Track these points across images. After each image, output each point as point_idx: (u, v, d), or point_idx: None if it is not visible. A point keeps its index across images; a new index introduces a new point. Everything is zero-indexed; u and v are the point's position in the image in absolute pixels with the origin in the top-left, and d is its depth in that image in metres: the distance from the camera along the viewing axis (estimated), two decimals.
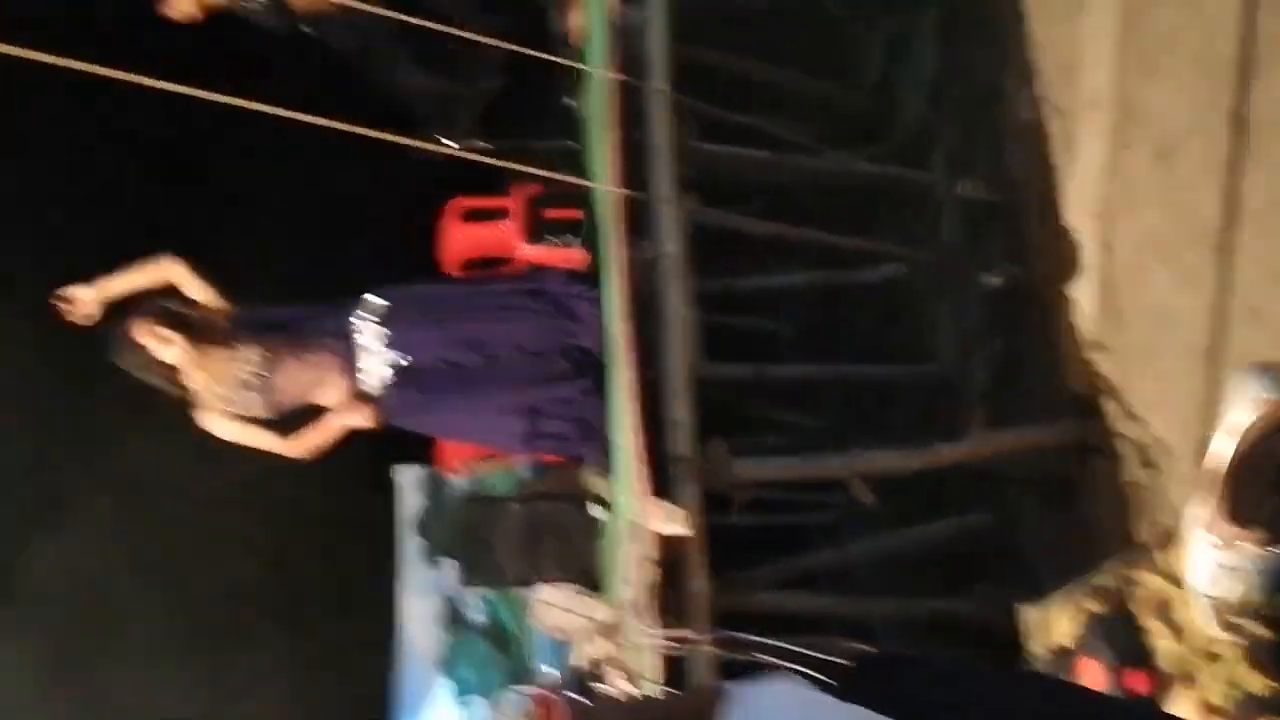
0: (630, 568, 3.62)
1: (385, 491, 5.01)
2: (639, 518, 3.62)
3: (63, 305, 3.53)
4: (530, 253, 4.42)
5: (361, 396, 3.65)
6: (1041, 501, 4.39)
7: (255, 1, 3.96)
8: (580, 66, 4.02)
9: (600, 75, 3.79)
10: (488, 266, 4.72)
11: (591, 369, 3.89)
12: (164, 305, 3.51)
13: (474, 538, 4.09)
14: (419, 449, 4.78)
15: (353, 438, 3.83)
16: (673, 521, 3.54)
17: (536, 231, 4.39)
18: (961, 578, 4.56)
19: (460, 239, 4.83)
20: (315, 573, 7.57)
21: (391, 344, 3.66)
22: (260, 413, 3.56)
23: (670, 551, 3.62)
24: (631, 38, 3.98)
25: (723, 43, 5.81)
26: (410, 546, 4.94)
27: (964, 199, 4.76)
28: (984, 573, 4.51)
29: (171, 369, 3.54)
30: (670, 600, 3.59)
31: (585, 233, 4.29)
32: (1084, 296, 4.09)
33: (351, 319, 3.67)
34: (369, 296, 3.74)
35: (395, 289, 3.80)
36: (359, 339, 3.66)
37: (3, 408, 5.45)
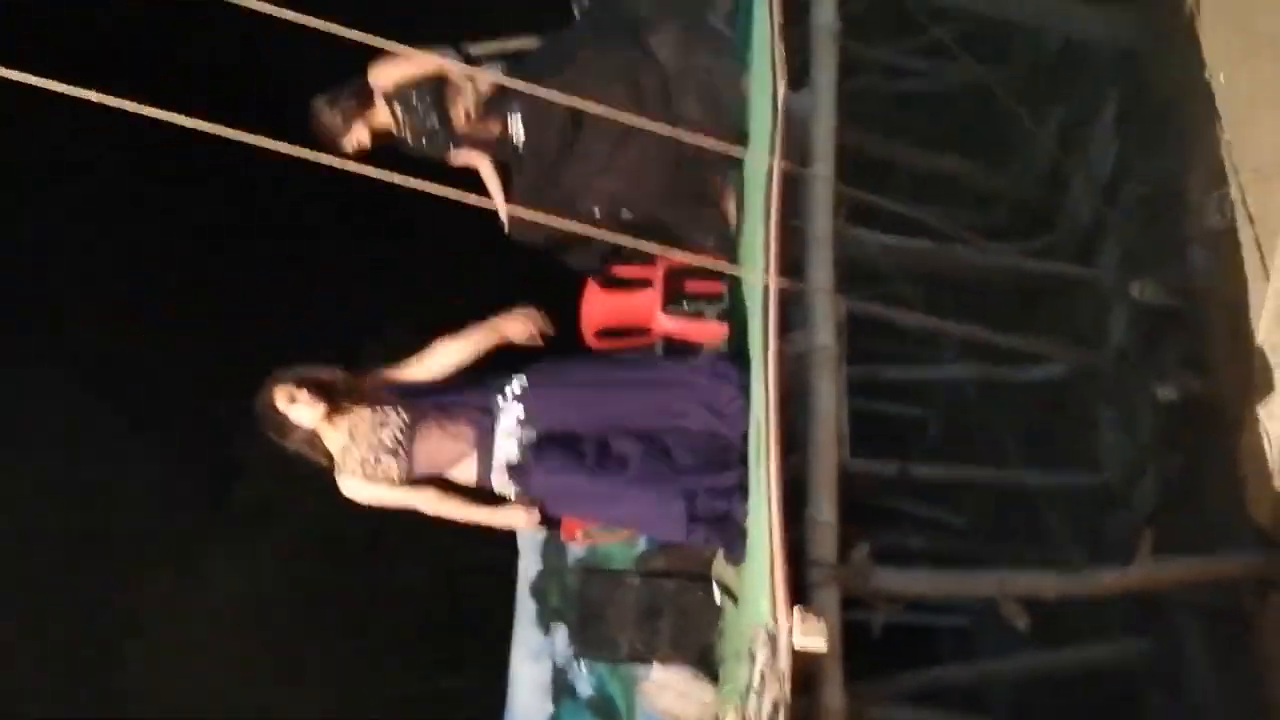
0: (759, 677, 3.44)
1: (511, 548, 4.99)
2: (775, 626, 3.44)
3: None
4: (668, 324, 4.37)
5: (499, 475, 3.59)
6: (1212, 636, 4.05)
7: (424, 126, 4.05)
8: (738, 149, 3.91)
9: (762, 162, 3.67)
10: (624, 336, 4.68)
11: (735, 459, 3.74)
12: (304, 372, 3.52)
13: (588, 608, 4.04)
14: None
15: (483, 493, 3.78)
16: (812, 636, 3.34)
17: (676, 303, 4.34)
18: (1113, 713, 4.22)
19: (600, 306, 4.79)
20: (436, 619, 7.68)
21: (529, 423, 3.59)
22: (396, 479, 3.52)
23: (803, 661, 3.43)
24: (796, 123, 3.86)
25: (884, 127, 5.68)
26: (526, 609, 4.90)
27: (1137, 302, 4.48)
28: (1140, 710, 4.17)
29: (311, 434, 3.53)
30: (799, 710, 3.40)
31: (726, 309, 4.19)
32: (1272, 419, 3.78)
33: (496, 396, 3.61)
34: (515, 376, 3.68)
35: (539, 368, 3.73)
36: (501, 417, 3.60)
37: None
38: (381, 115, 4.06)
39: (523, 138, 4.14)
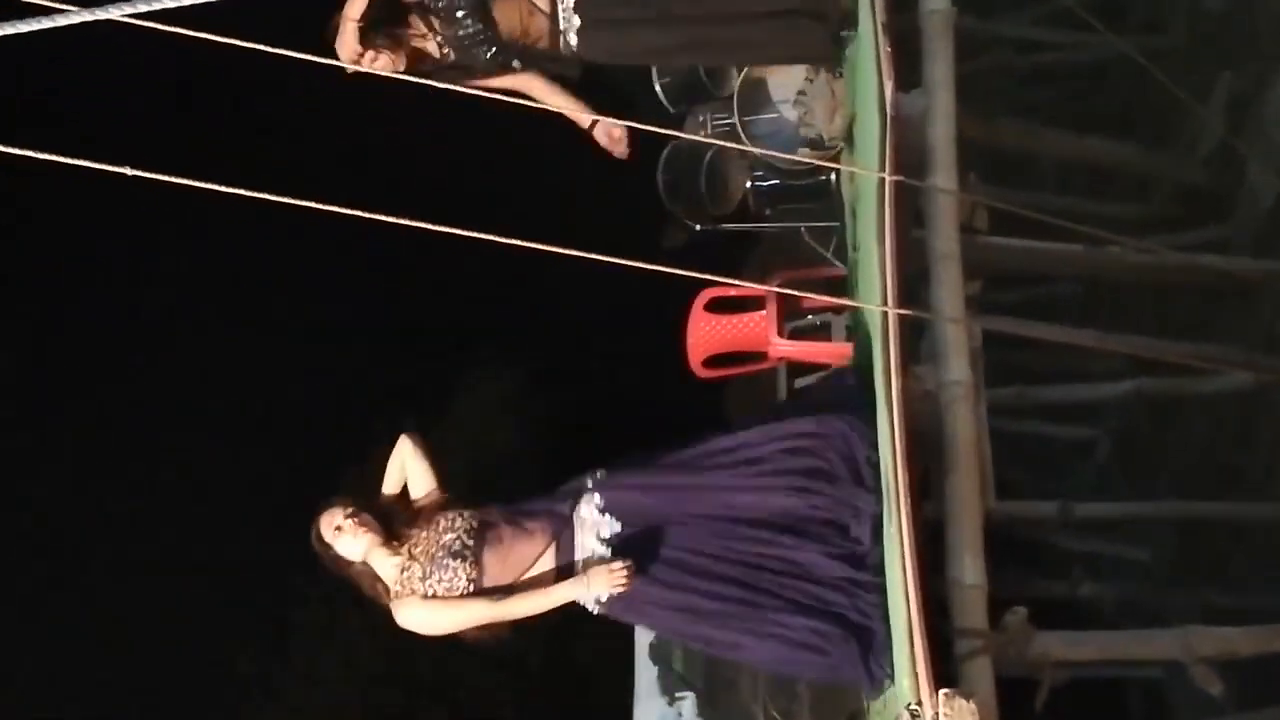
0: None
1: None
2: (920, 709, 2.98)
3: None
4: (785, 348, 4.03)
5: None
6: None
7: (465, 28, 3.47)
8: (851, 169, 3.46)
9: (873, 177, 3.20)
10: (736, 363, 4.35)
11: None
12: (352, 498, 3.13)
13: (718, 674, 3.80)
14: None
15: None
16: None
17: (793, 322, 4.04)
18: None
19: (707, 332, 4.46)
20: (554, 686, 7.48)
21: (610, 511, 3.15)
22: (462, 590, 3.14)
23: None
24: (911, 128, 3.37)
25: (1016, 110, 5.14)
26: (647, 675, 4.56)
27: None
28: None
29: (364, 565, 3.11)
30: None
31: (850, 322, 3.74)
32: None
33: (573, 494, 3.16)
34: (594, 471, 3.23)
35: (622, 462, 3.30)
36: (580, 507, 3.14)
37: None
38: (415, 30, 3.48)
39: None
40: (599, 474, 3.21)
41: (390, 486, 3.25)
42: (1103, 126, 5.09)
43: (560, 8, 3.48)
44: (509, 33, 3.48)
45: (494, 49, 3.46)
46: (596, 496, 3.13)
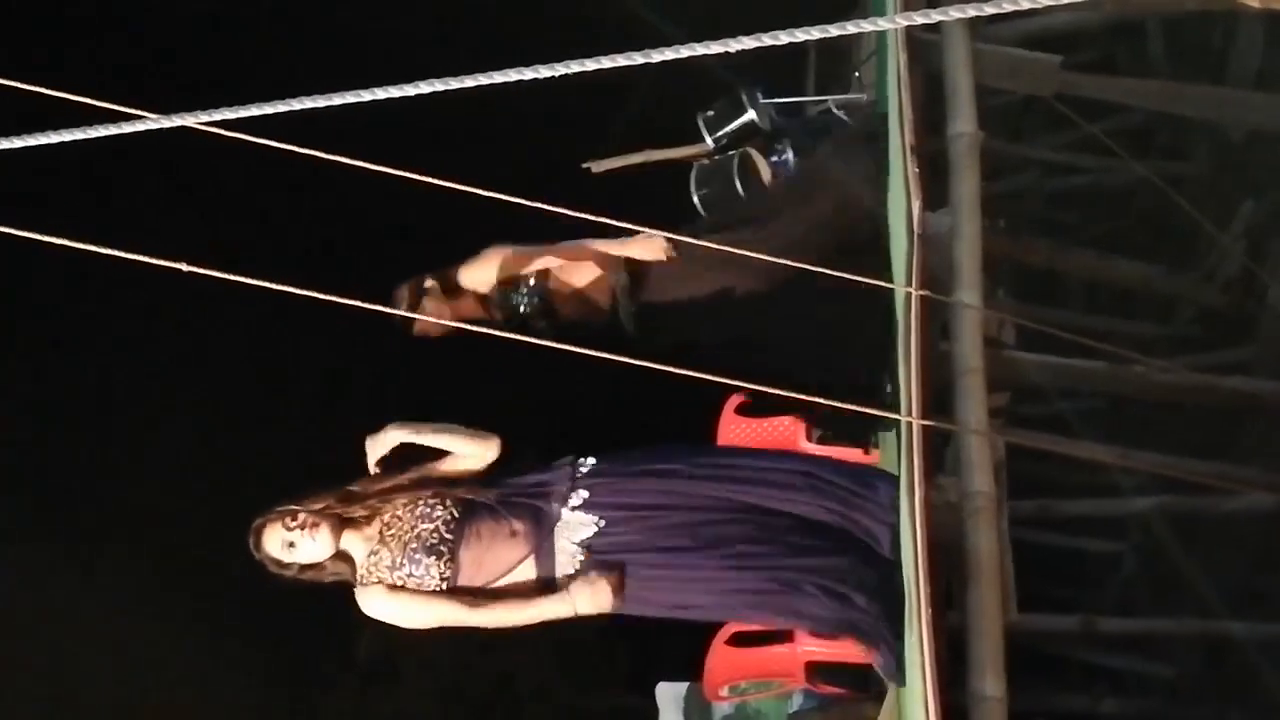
0: None
1: (644, 692, 4.58)
2: None
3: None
4: (814, 450, 3.97)
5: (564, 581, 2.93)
6: None
7: (521, 301, 3.43)
8: (881, 284, 3.57)
9: (900, 293, 3.31)
10: None
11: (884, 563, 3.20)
12: (292, 505, 2.89)
13: None
14: (683, 660, 4.35)
15: (612, 636, 3.34)
16: None
17: (823, 425, 3.98)
18: None
19: (736, 433, 4.47)
20: None
21: (595, 509, 2.96)
22: (431, 587, 2.88)
23: None
24: (936, 246, 3.49)
25: (1046, 230, 5.25)
26: None
27: None
28: None
29: (335, 557, 2.88)
30: None
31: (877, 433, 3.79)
32: None
33: (560, 480, 2.99)
34: (585, 458, 3.06)
35: (618, 454, 3.12)
36: (564, 510, 2.95)
37: None
38: (469, 309, 3.52)
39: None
40: (588, 463, 3.03)
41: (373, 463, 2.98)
42: (1128, 248, 5.18)
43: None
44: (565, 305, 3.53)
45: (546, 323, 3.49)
46: (583, 492, 2.96)
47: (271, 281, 2.18)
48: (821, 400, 3.33)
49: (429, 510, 2.90)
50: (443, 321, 3.38)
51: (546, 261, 3.50)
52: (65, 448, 7.51)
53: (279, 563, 2.85)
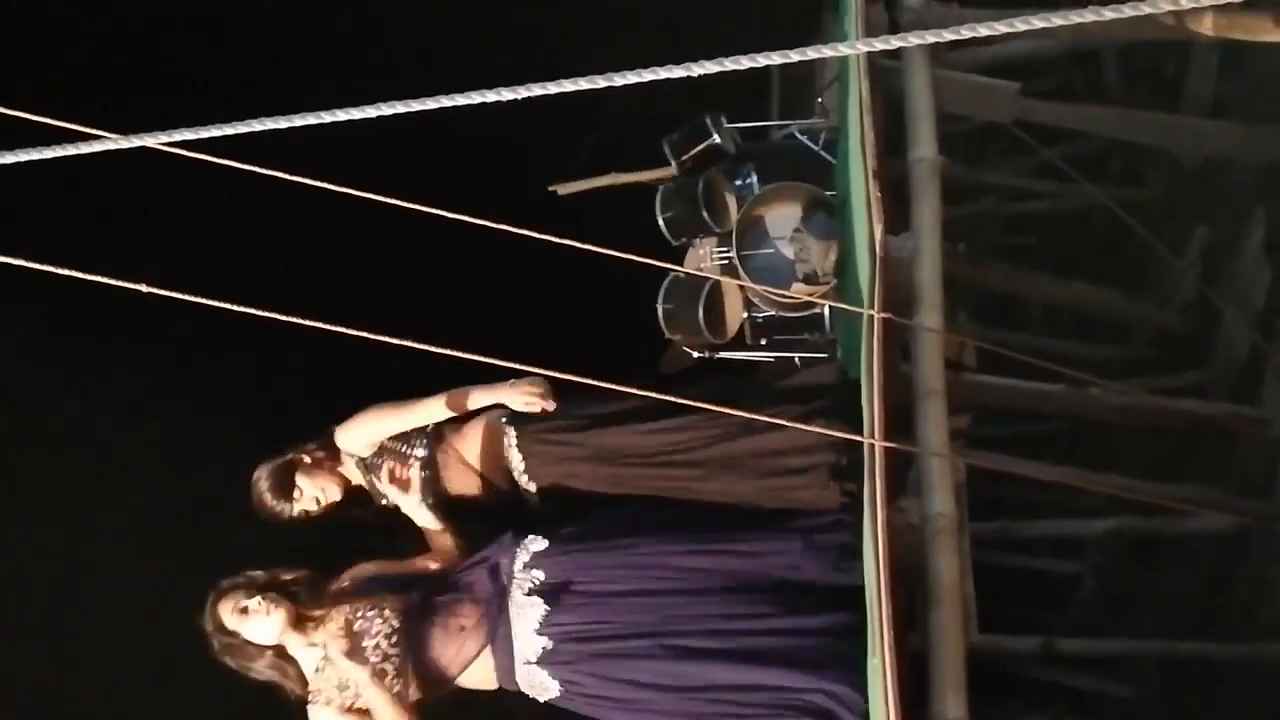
0: None
1: None
2: None
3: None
4: None
5: (524, 672, 2.83)
6: None
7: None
8: (841, 307, 3.59)
9: (864, 315, 3.34)
10: None
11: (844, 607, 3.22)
12: (254, 574, 2.81)
13: None
14: None
15: None
16: None
17: None
18: None
19: None
20: None
21: (548, 594, 2.80)
22: (387, 704, 2.71)
23: None
24: (898, 269, 3.52)
25: (1002, 255, 5.31)
26: None
27: None
28: None
29: (278, 654, 2.76)
30: None
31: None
32: None
33: (510, 568, 2.84)
34: (530, 536, 2.91)
35: (566, 530, 2.97)
36: (516, 595, 2.81)
37: None
38: (352, 476, 3.19)
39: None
40: (534, 546, 2.88)
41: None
42: (1085, 272, 5.25)
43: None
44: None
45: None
46: (533, 574, 2.84)
47: (233, 304, 2.18)
48: (785, 422, 3.37)
49: (368, 625, 2.77)
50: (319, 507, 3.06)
51: (429, 415, 3.10)
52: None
53: (224, 628, 2.75)
